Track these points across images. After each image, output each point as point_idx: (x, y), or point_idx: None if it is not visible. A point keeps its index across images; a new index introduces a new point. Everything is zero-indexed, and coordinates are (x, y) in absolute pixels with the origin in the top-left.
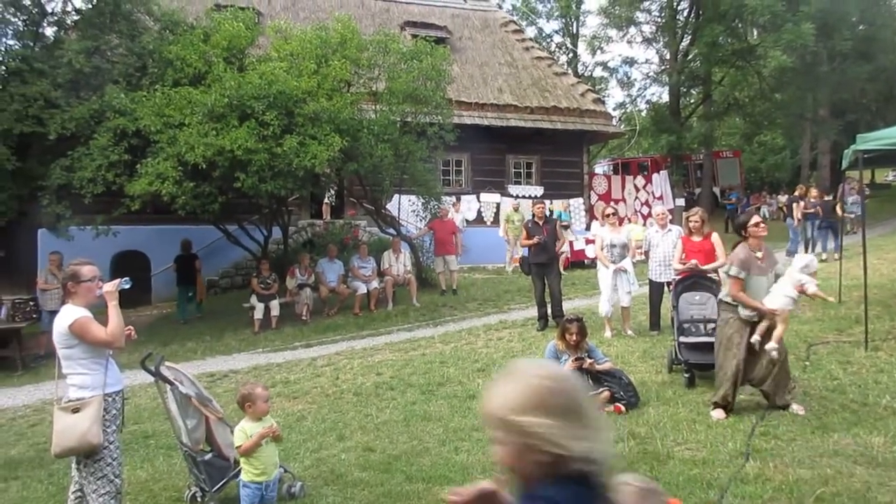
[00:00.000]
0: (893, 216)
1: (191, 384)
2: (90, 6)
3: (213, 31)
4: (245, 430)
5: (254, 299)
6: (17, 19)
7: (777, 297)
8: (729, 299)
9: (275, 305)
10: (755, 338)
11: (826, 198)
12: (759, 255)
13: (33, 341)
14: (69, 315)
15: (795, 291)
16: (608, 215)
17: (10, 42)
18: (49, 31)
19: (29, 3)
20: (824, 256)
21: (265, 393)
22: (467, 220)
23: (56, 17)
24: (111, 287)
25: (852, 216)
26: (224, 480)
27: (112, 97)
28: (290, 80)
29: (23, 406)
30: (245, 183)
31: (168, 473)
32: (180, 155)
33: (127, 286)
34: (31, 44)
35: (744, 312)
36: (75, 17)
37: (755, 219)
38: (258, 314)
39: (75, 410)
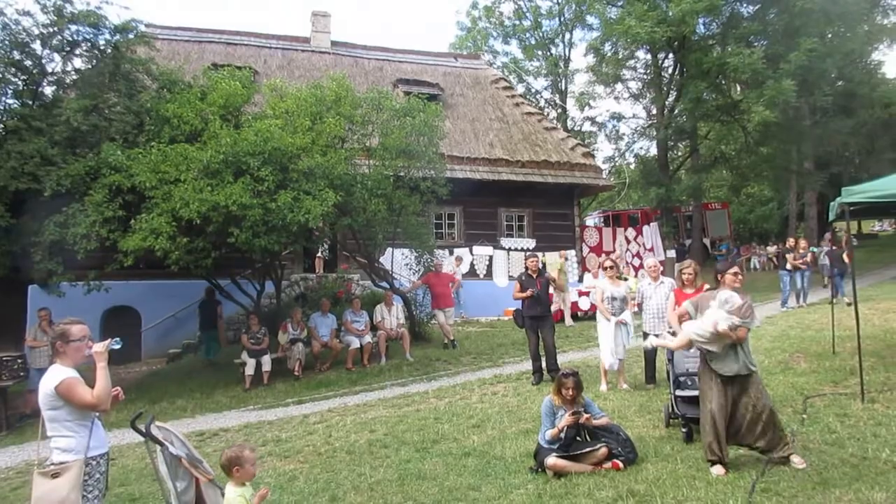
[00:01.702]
0: (882, 266)
1: (181, 444)
2: (90, 66)
3: (210, 90)
4: (245, 496)
5: (244, 355)
6: (17, 79)
7: (692, 325)
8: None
9: (266, 361)
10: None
11: (833, 247)
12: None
13: (20, 400)
14: (56, 376)
15: (711, 327)
16: (607, 268)
17: (10, 101)
18: (48, 90)
19: (30, 63)
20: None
21: (253, 456)
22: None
23: (56, 77)
24: (101, 348)
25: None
26: None
27: (108, 154)
28: (286, 137)
29: (5, 468)
30: (239, 238)
31: None
32: (175, 210)
33: (117, 346)
34: (31, 102)
35: (712, 360)
36: (75, 77)
37: (733, 269)
38: (249, 370)
39: (55, 475)
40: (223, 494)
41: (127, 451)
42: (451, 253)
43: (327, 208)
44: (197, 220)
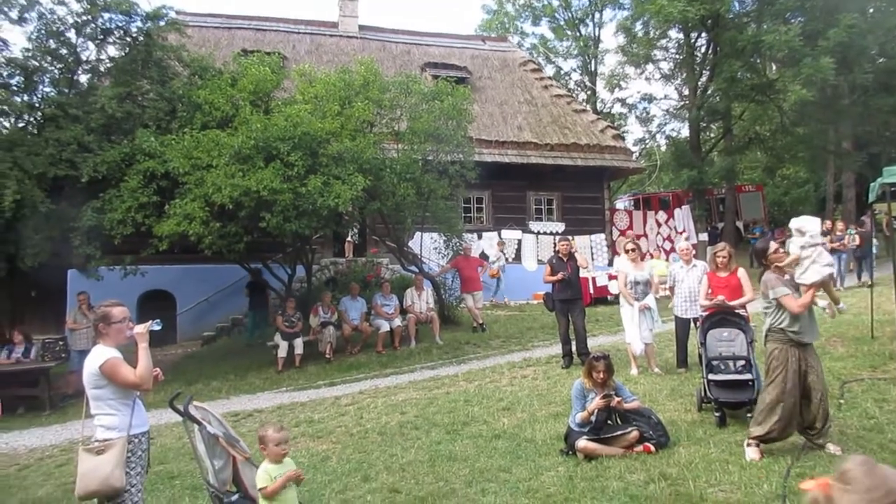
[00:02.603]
0: None
1: (218, 424)
2: (123, 54)
3: (240, 76)
4: (269, 472)
5: (278, 337)
6: (53, 67)
7: (813, 271)
8: (781, 324)
9: (298, 344)
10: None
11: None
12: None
13: (62, 381)
14: (100, 356)
15: (819, 245)
16: (630, 250)
17: (47, 89)
18: (83, 78)
19: (65, 52)
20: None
21: (277, 435)
22: (488, 257)
23: (90, 65)
24: (142, 329)
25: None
26: None
27: (142, 140)
28: (315, 122)
29: (50, 446)
30: (270, 223)
31: None
32: (207, 196)
33: (157, 328)
34: (66, 90)
35: (791, 328)
36: (108, 65)
37: (773, 245)
38: (282, 352)
39: (99, 452)
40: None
41: (165, 431)
42: (480, 237)
43: (357, 193)
44: (229, 205)
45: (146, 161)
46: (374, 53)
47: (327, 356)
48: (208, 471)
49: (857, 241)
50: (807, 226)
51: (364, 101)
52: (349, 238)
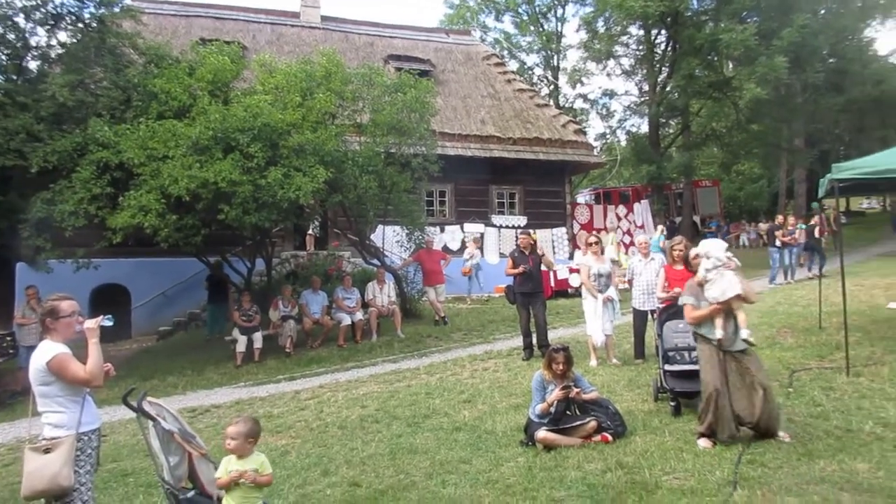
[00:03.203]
0: (869, 243)
1: (174, 420)
2: (75, 41)
3: (198, 65)
4: (225, 465)
5: (236, 332)
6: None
7: (723, 290)
8: (699, 329)
9: (258, 338)
10: (719, 332)
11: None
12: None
13: (10, 377)
14: (47, 351)
15: (731, 273)
16: (591, 244)
17: None
18: (32, 65)
19: (13, 37)
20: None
21: (232, 430)
22: (451, 250)
23: (40, 51)
24: (93, 324)
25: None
26: None
27: (95, 130)
28: (275, 113)
29: None
30: (229, 215)
31: None
32: (164, 187)
33: (109, 324)
34: (14, 77)
35: (709, 334)
36: (60, 51)
37: (692, 252)
38: (240, 347)
39: (47, 451)
40: (216, 468)
41: (118, 428)
42: (443, 230)
43: (318, 185)
44: (186, 196)
45: (99, 151)
46: (336, 44)
47: (287, 350)
48: (163, 467)
49: (804, 237)
50: (711, 250)
51: (326, 93)
52: (310, 231)
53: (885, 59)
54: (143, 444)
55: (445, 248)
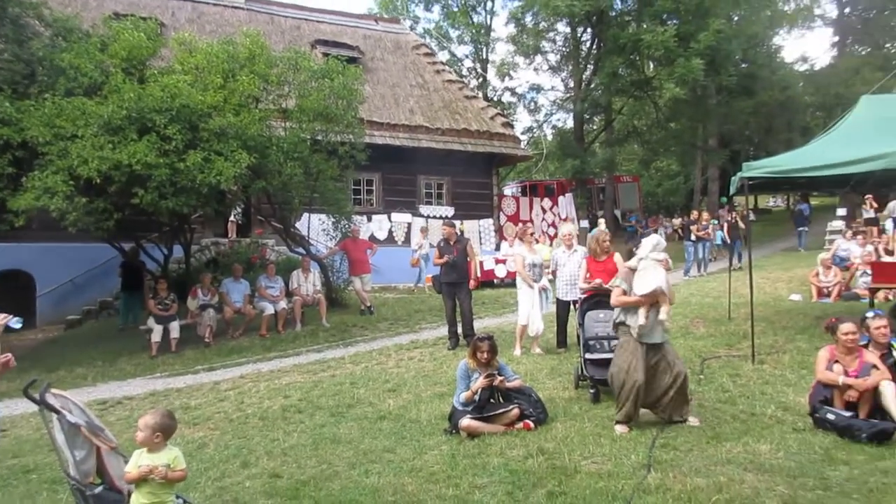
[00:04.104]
0: (774, 239)
1: (80, 412)
2: None
3: (111, 41)
4: (135, 458)
5: (151, 321)
6: None
7: (648, 282)
8: (620, 318)
9: (174, 327)
10: (641, 319)
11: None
12: None
13: None
14: None
15: (663, 269)
16: (531, 234)
17: None
18: None
19: None
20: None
21: (142, 420)
22: (377, 240)
23: None
24: None
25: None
26: None
27: None
28: (195, 94)
29: None
30: (144, 199)
31: None
32: (72, 168)
33: (17, 326)
34: None
35: (630, 321)
36: None
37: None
38: (156, 337)
39: None
40: (126, 462)
41: (20, 422)
42: (370, 219)
43: (240, 170)
44: (97, 179)
45: (0, 128)
46: (261, 26)
47: (207, 340)
48: (69, 462)
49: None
50: (646, 243)
51: (249, 76)
52: (232, 218)
53: (791, 66)
54: (47, 438)
55: (372, 238)
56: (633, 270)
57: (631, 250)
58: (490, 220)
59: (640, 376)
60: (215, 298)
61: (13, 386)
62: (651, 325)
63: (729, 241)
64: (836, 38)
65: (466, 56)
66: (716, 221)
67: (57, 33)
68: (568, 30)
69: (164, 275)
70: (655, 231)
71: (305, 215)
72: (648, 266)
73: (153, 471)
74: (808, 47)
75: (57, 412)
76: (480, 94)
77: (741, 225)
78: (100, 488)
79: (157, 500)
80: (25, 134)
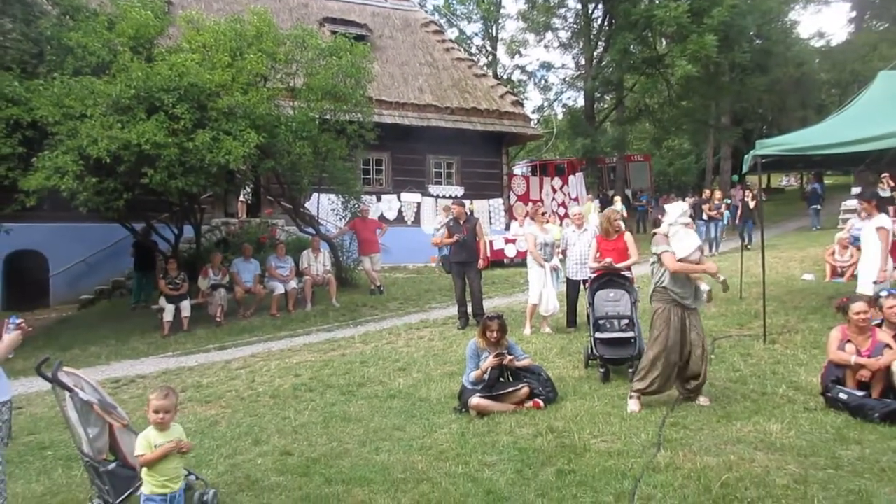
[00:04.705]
0: (787, 218)
1: (92, 390)
2: None
3: (119, 19)
4: (149, 440)
5: (162, 301)
6: None
7: (687, 245)
8: (663, 283)
9: (185, 307)
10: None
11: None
12: None
13: None
14: None
15: (694, 232)
16: (542, 214)
17: None
18: None
19: None
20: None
21: (155, 402)
22: (387, 219)
23: None
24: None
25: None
26: (129, 491)
27: (4, 85)
28: (203, 73)
29: None
30: (153, 179)
31: (67, 486)
32: (82, 148)
33: (15, 323)
34: None
35: (675, 292)
36: None
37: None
38: (167, 316)
39: None
40: None
41: (35, 400)
42: (379, 199)
43: (249, 150)
44: (106, 158)
45: (9, 108)
46: (268, 4)
47: (218, 319)
48: (82, 439)
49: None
50: (670, 210)
51: (257, 54)
52: (242, 198)
53: (807, 42)
54: (62, 416)
55: (382, 218)
56: (665, 236)
57: (656, 219)
58: (500, 200)
59: (670, 342)
60: (226, 278)
61: (28, 364)
62: (690, 289)
63: (738, 222)
64: (854, 14)
65: (476, 34)
66: (728, 200)
67: (64, 12)
68: (579, 6)
69: (174, 255)
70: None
71: (315, 195)
72: (680, 230)
73: (180, 445)
74: (824, 23)
75: (70, 390)
76: (490, 73)
77: (751, 205)
78: (113, 465)
79: (174, 476)
80: (35, 114)
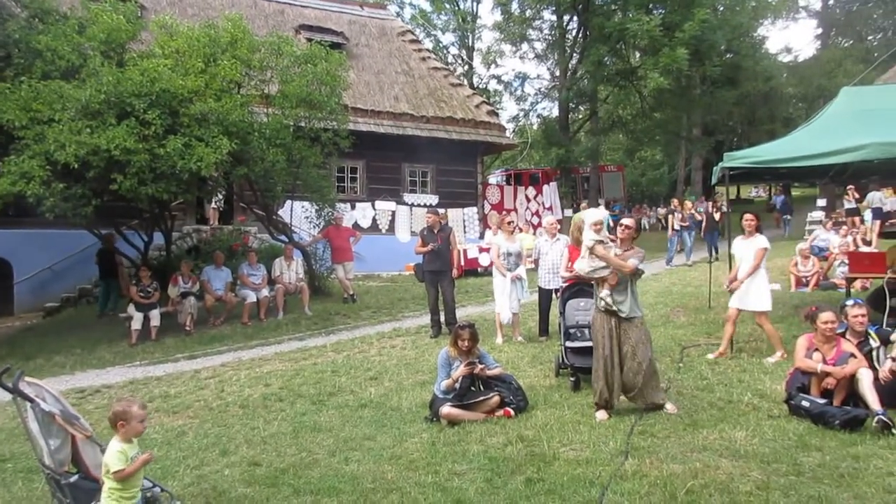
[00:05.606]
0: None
1: (55, 401)
2: None
3: (90, 23)
4: (126, 453)
5: (131, 308)
6: None
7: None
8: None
9: (155, 315)
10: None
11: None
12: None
13: None
14: None
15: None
16: (509, 223)
17: None
18: None
19: None
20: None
21: (142, 413)
22: (362, 228)
23: None
24: None
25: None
26: None
27: None
28: (176, 79)
29: None
30: (123, 185)
31: (28, 499)
32: (49, 153)
33: None
34: None
35: (600, 297)
36: None
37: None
38: (136, 324)
39: None
40: (103, 451)
41: None
42: (353, 207)
43: (221, 156)
44: (75, 164)
45: None
46: (244, 10)
47: (187, 328)
48: (43, 451)
49: (705, 221)
50: (587, 216)
51: (231, 60)
52: (213, 205)
53: (775, 57)
54: (22, 427)
55: (356, 226)
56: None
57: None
58: (474, 209)
59: (607, 351)
60: (196, 286)
61: None
62: (623, 297)
63: (703, 234)
64: (820, 30)
65: (452, 43)
66: (701, 209)
67: (33, 15)
68: (554, 18)
69: (145, 262)
70: (639, 220)
71: (288, 202)
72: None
73: (150, 458)
74: (792, 39)
75: (31, 401)
76: (466, 82)
77: (717, 217)
78: (75, 477)
79: (134, 489)
80: (1, 118)
